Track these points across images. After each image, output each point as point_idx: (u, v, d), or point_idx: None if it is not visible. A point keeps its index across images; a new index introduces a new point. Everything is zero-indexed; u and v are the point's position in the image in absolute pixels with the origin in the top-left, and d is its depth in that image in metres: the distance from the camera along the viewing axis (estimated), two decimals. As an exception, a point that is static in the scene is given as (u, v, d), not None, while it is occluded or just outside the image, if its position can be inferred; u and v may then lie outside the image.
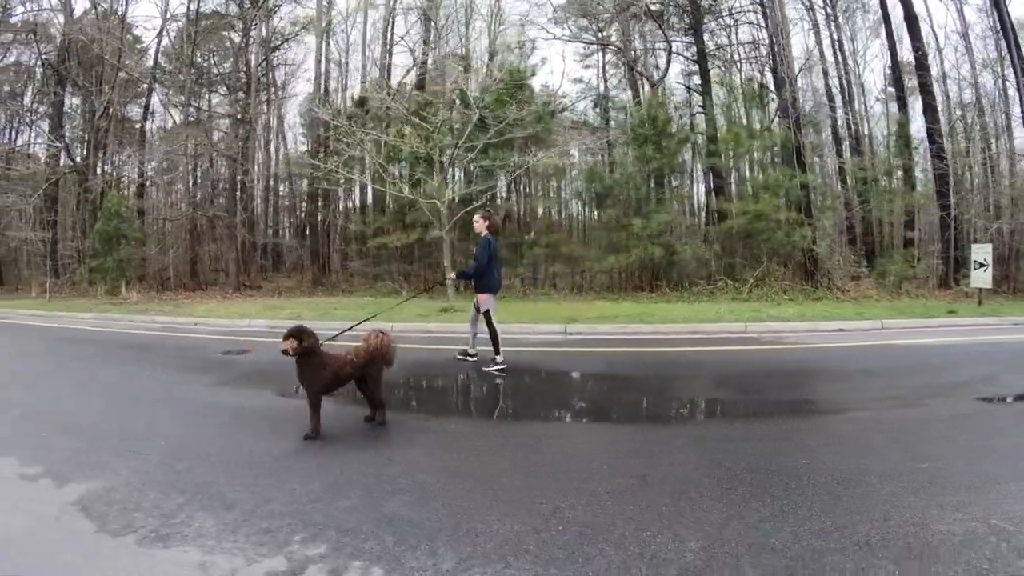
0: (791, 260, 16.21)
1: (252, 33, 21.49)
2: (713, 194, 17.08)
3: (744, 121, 17.18)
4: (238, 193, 17.00)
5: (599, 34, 20.53)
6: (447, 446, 4.09)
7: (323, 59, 21.27)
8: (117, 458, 3.70)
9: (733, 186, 17.15)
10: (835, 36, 18.84)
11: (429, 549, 2.51)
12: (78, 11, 25.31)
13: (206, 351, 8.34)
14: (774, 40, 17.90)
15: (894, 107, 19.21)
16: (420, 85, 19.85)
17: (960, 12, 17.96)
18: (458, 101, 15.12)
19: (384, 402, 4.37)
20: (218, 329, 11.04)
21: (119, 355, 8.40)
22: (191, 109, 21.37)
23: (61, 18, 25.99)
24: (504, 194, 16.53)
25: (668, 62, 19.26)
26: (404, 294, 15.35)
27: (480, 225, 6.52)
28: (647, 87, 19.15)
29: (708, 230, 16.09)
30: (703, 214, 17.26)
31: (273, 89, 21.97)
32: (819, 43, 19.27)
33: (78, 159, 21.02)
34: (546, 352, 8.10)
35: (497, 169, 14.77)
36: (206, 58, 24.05)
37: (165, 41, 22.29)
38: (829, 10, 19.09)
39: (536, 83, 19.57)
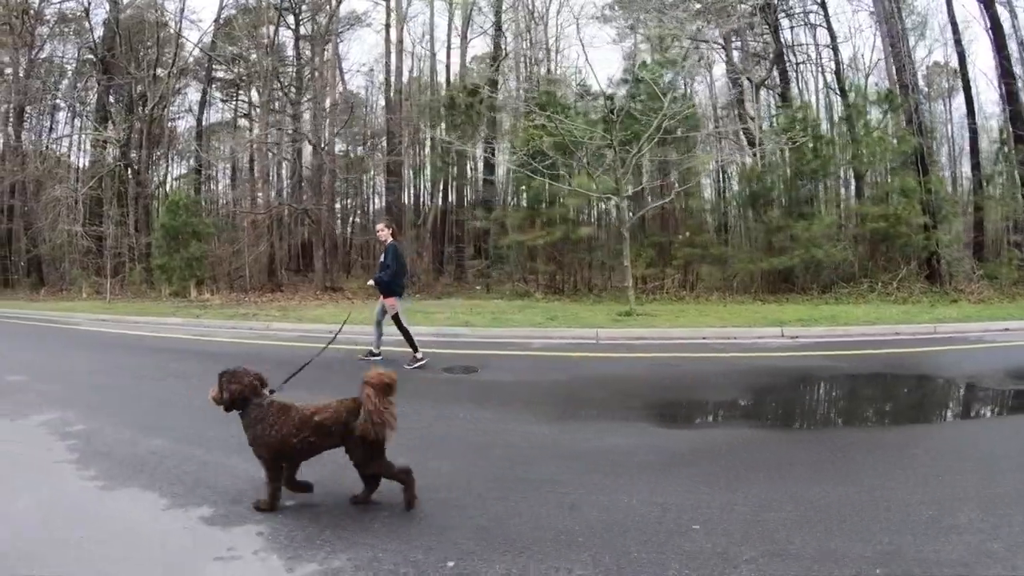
0: (921, 262, 15.77)
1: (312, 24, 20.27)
2: (853, 197, 16.33)
3: (866, 125, 16.40)
4: (323, 185, 15.48)
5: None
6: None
7: (392, 52, 20.05)
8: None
9: (866, 190, 16.44)
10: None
11: None
12: (117, 2, 24.20)
13: (413, 369, 6.79)
14: (895, 46, 17.34)
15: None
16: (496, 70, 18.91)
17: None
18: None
19: (399, 475, 2.84)
20: (368, 339, 9.55)
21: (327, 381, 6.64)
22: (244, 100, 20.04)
23: (107, 6, 24.90)
24: (659, 192, 15.35)
25: (773, 63, 18.42)
26: (539, 296, 14.06)
27: (384, 233, 6.74)
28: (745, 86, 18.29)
29: (848, 232, 15.30)
30: (842, 217, 16.44)
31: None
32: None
33: (132, 153, 19.42)
34: (808, 356, 7.32)
35: (673, 166, 13.89)
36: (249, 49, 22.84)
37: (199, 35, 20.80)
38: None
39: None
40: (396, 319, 6.55)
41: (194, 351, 8.69)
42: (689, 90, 18.48)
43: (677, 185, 14.18)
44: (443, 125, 15.28)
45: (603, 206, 16.14)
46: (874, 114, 15.96)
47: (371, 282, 7.08)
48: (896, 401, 5.57)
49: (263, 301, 15.00)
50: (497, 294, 15.32)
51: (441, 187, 18.00)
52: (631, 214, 13.01)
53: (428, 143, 18.66)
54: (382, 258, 6.65)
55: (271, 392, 2.90)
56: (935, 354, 7.53)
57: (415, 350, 6.55)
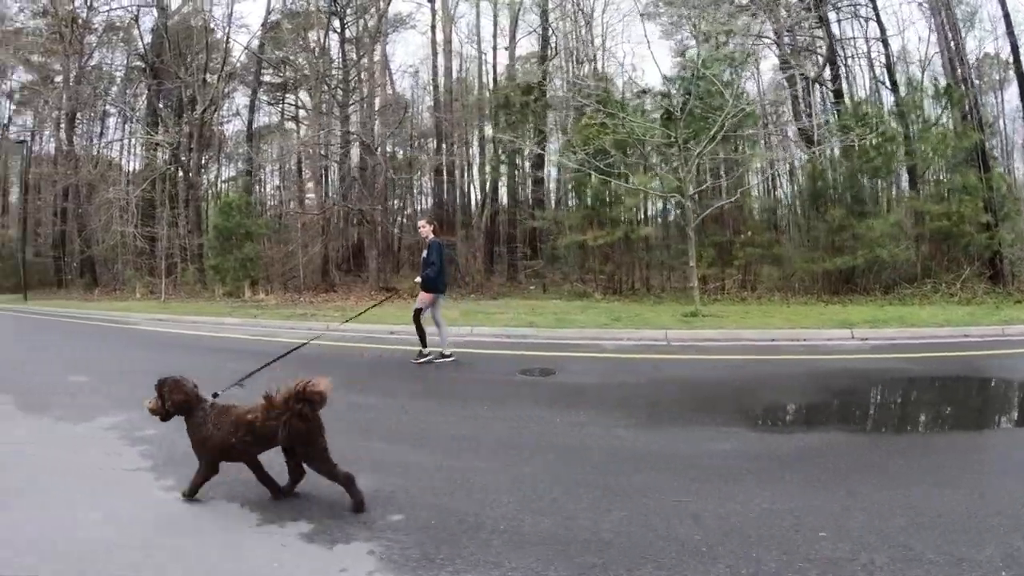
0: (984, 262, 15.33)
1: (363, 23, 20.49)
2: (915, 195, 15.90)
3: (924, 120, 16.01)
4: (376, 186, 15.62)
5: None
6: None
7: (439, 52, 20.16)
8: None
9: (923, 187, 16.02)
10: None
11: None
12: (165, 9, 24.77)
13: (488, 371, 6.69)
14: (949, 38, 16.91)
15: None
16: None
17: None
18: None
19: (346, 478, 2.79)
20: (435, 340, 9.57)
21: (419, 387, 6.11)
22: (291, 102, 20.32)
23: (155, 12, 25.50)
24: (719, 190, 15.16)
25: (827, 59, 18.09)
26: (597, 297, 14.01)
27: (426, 229, 6.73)
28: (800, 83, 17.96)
29: (909, 231, 14.92)
30: (903, 215, 16.02)
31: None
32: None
33: (183, 156, 19.83)
34: (883, 359, 7.10)
35: (731, 164, 13.70)
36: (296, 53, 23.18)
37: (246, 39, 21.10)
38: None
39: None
40: (417, 312, 6.60)
41: (257, 352, 8.54)
42: (738, 87, 18.25)
43: (740, 183, 14.02)
44: (500, 123, 15.24)
45: (661, 205, 16.02)
46: (928, 109, 15.56)
47: (418, 279, 7.12)
48: (981, 404, 5.47)
49: (318, 301, 15.16)
50: (554, 294, 15.26)
51: (494, 187, 17.97)
52: (695, 213, 12.85)
53: (478, 143, 18.83)
54: (425, 254, 6.67)
55: (214, 396, 2.97)
56: (1008, 357, 7.33)
57: (423, 346, 6.63)
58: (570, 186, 16.13)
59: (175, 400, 2.85)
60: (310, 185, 18.57)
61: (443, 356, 6.67)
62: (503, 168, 16.01)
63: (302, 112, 21.18)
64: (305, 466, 2.87)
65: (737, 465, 3.45)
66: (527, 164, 16.40)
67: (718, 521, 2.67)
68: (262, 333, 11.04)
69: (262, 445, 2.82)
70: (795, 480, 3.21)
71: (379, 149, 15.46)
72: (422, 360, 6.52)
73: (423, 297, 6.55)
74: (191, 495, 2.90)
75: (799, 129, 16.98)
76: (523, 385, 5.97)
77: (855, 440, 4.10)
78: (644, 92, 17.32)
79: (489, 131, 18.37)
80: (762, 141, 17.13)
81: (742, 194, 14.88)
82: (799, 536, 2.50)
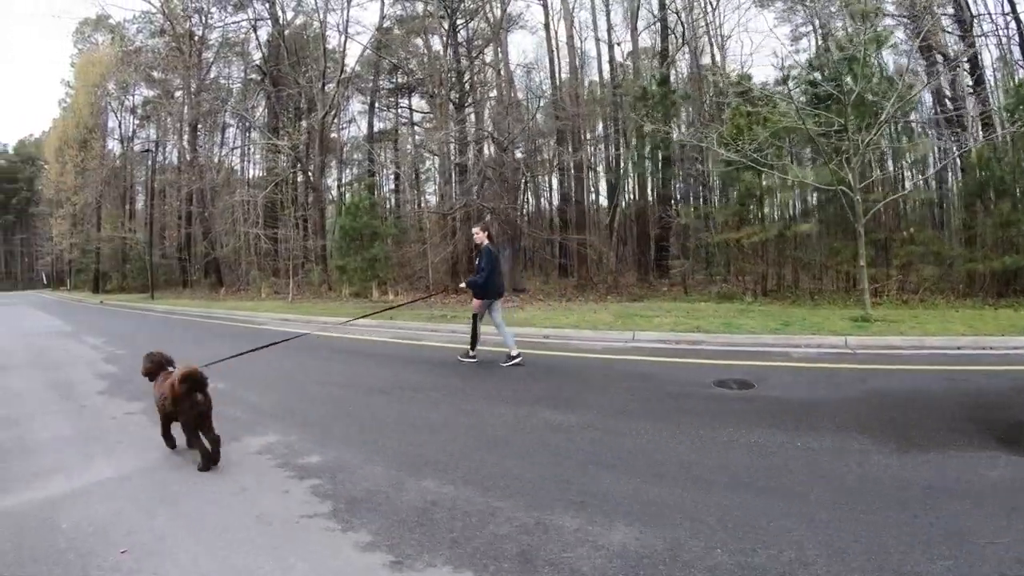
0: None
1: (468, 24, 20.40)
2: None
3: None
4: (506, 184, 15.23)
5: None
6: None
7: (556, 48, 19.74)
8: None
9: None
10: None
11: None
12: (279, 20, 25.76)
13: (676, 382, 5.73)
14: None
15: None
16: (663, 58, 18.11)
17: None
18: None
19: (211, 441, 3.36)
20: (595, 345, 8.31)
21: (605, 400, 5.10)
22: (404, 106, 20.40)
23: (269, 26, 26.61)
24: (880, 184, 13.89)
25: (969, 39, 16.33)
26: (748, 299, 13.06)
27: (480, 236, 6.82)
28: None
29: None
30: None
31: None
32: None
33: (305, 160, 20.28)
34: None
35: (896, 153, 12.49)
36: (407, 59, 23.45)
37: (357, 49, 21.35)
38: None
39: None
40: (474, 318, 6.75)
41: (409, 358, 7.72)
42: (883, 69, 16.79)
43: (901, 175, 12.71)
44: (639, 115, 14.52)
45: (815, 200, 14.83)
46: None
47: (463, 284, 7.23)
48: None
49: (451, 302, 14.84)
50: (698, 296, 14.34)
51: (623, 183, 17.28)
52: (862, 209, 11.68)
53: (605, 138, 18.22)
54: (477, 261, 6.81)
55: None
56: None
57: (472, 347, 6.76)
58: (717, 181, 15.18)
59: (146, 367, 3.66)
60: (432, 187, 18.47)
61: (510, 358, 6.60)
62: (641, 163, 15.20)
63: (417, 115, 21.29)
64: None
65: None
66: (659, 157, 15.54)
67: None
68: (403, 336, 10.27)
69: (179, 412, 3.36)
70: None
71: (509, 147, 15.10)
72: (467, 360, 6.67)
73: (474, 303, 6.73)
74: (168, 445, 3.58)
75: (946, 118, 15.36)
76: (725, 400, 5.13)
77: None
78: (787, 79, 16.22)
79: (613, 126, 17.74)
80: (920, 129, 15.60)
81: (915, 187, 13.48)
82: None
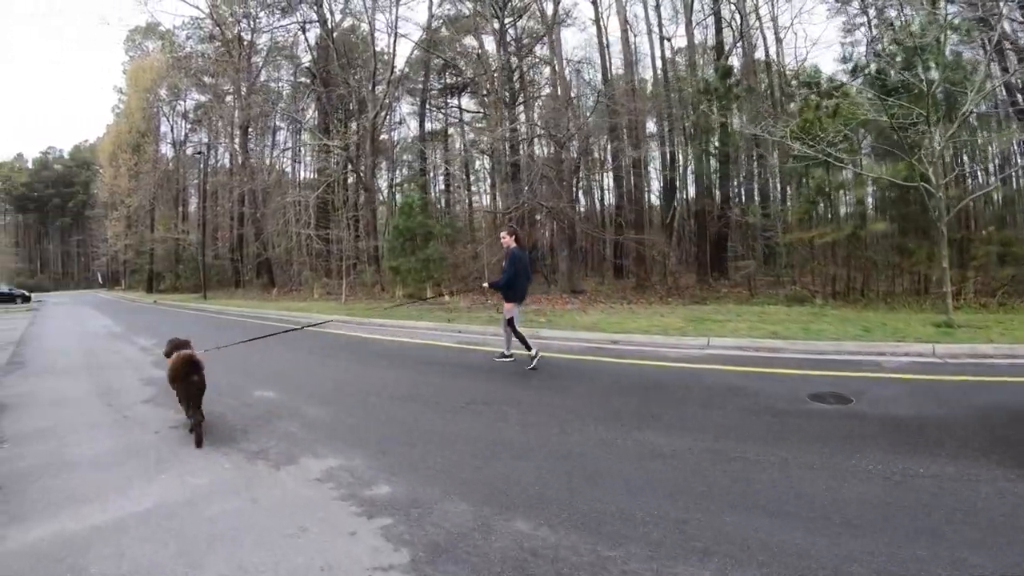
0: None
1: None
2: None
3: None
4: (565, 182, 14.81)
5: None
6: None
7: (606, 44, 19.28)
8: None
9: None
10: None
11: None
12: (327, 23, 25.95)
13: (768, 397, 5.11)
14: None
15: None
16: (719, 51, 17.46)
17: None
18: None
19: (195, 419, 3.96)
20: (668, 352, 7.62)
21: (703, 418, 4.55)
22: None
23: (317, 28, 26.86)
24: (963, 178, 13.11)
25: None
26: (819, 302, 12.42)
27: (507, 240, 6.82)
28: None
29: None
30: None
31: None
32: None
33: (356, 160, 20.33)
34: None
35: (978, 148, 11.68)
36: (456, 57, 23.31)
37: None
38: None
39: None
40: (510, 323, 6.67)
41: (471, 365, 7.11)
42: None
43: (983, 171, 11.85)
44: (703, 110, 13.97)
45: (890, 198, 14.00)
46: None
47: (485, 284, 7.35)
48: None
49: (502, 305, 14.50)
50: (766, 298, 13.71)
51: (682, 180, 16.67)
52: (946, 207, 10.91)
53: (660, 135, 17.68)
54: (504, 264, 6.84)
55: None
56: None
57: (529, 349, 6.61)
58: (778, 178, 14.47)
59: (167, 350, 4.30)
60: (483, 187, 18.20)
61: (503, 356, 6.82)
62: (704, 160, 14.60)
63: (467, 115, 21.11)
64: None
65: None
66: (721, 154, 14.90)
67: None
68: (468, 341, 9.72)
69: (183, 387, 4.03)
70: None
71: (567, 144, 14.71)
72: (532, 365, 6.53)
73: (507, 307, 6.65)
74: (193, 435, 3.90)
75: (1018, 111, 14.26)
76: (828, 418, 4.56)
77: None
78: (856, 69, 15.42)
79: (668, 123, 17.16)
80: (996, 121, 14.55)
81: (1001, 182, 12.57)
82: None
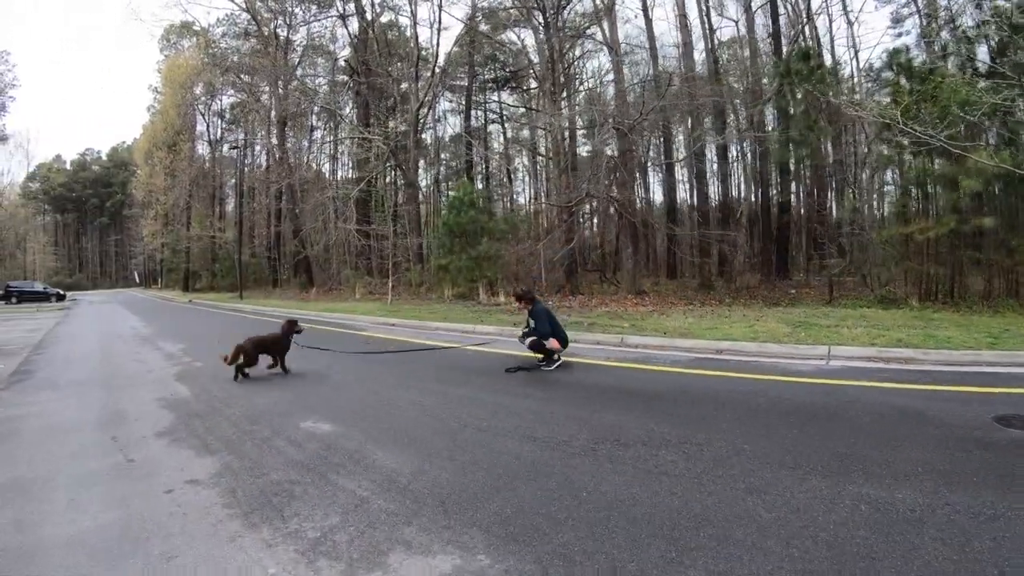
0: None
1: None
2: None
3: None
4: (630, 173, 13.64)
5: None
6: None
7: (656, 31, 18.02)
8: None
9: None
10: None
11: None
12: (365, 15, 25.26)
13: (946, 421, 3.88)
14: None
15: None
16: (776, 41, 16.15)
17: None
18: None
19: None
20: (790, 364, 6.19)
21: (870, 451, 4.06)
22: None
23: (356, 21, 26.22)
24: None
25: None
26: (914, 304, 11.13)
27: (521, 305, 6.87)
28: None
29: None
30: None
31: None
32: None
33: (399, 155, 19.46)
34: None
35: None
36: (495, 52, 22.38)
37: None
38: None
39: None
40: (549, 353, 6.54)
41: (577, 385, 5.51)
42: None
43: None
44: (785, 95, 12.72)
45: (994, 190, 12.58)
46: None
47: (527, 343, 6.86)
48: None
49: (572, 306, 13.39)
50: (850, 299, 12.39)
51: (761, 174, 15.35)
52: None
53: (738, 126, 16.44)
54: (535, 324, 6.52)
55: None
56: None
57: (554, 356, 6.69)
58: (875, 168, 13.07)
59: (234, 354, 5.99)
60: (522, 185, 17.18)
61: (546, 365, 6.63)
62: (783, 150, 13.28)
63: (517, 109, 20.09)
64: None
65: None
66: (809, 140, 13.59)
67: None
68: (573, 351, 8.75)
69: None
70: None
71: (630, 133, 13.53)
72: (553, 365, 6.49)
73: (554, 344, 6.44)
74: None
75: None
76: None
77: None
78: (947, 54, 14.04)
79: (734, 112, 15.87)
80: None
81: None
82: None
